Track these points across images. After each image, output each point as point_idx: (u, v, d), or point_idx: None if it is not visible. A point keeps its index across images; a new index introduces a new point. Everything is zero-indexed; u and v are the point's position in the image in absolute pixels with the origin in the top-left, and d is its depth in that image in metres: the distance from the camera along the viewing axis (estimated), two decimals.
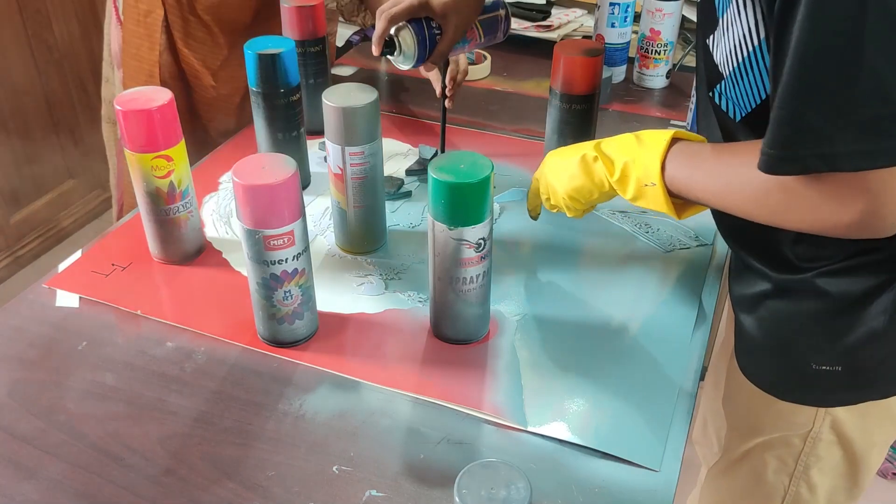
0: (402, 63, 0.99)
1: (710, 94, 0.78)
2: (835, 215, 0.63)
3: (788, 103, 0.60)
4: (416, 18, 0.97)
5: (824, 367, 0.76)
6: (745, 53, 0.70)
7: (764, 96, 0.71)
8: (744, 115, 0.74)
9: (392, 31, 0.96)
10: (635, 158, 0.78)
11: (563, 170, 0.84)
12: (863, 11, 0.55)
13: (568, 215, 0.87)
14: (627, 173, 0.78)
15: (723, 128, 0.78)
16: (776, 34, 0.62)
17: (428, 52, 0.98)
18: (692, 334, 0.84)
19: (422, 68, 1.03)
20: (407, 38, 0.97)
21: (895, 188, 0.60)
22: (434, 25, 0.98)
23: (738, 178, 0.69)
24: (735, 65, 0.73)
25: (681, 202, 0.77)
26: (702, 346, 0.83)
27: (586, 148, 0.82)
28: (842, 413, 0.81)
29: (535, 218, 0.96)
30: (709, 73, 0.78)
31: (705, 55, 0.78)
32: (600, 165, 0.81)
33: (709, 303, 0.89)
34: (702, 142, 0.78)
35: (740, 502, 0.93)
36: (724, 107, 0.77)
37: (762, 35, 0.67)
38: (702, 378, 0.84)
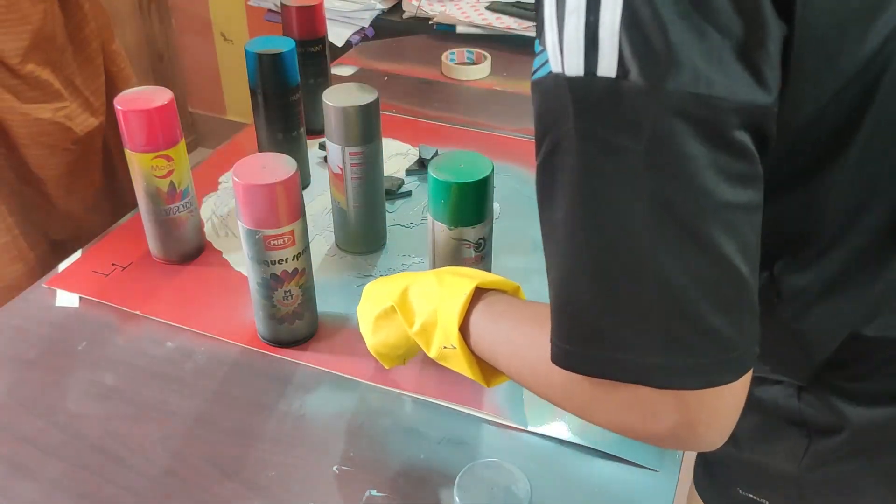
0: None
1: None
2: (646, 425, 0.50)
3: (575, 295, 0.49)
4: None
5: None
6: None
7: None
8: None
9: None
10: (437, 310, 0.65)
11: (367, 316, 0.73)
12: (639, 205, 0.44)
13: (384, 366, 0.75)
14: (428, 329, 0.66)
15: None
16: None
17: None
18: None
19: None
20: None
21: (711, 405, 0.48)
22: None
23: (540, 360, 0.53)
24: None
25: (490, 367, 0.65)
26: None
27: (393, 294, 0.69)
28: None
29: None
30: None
31: None
32: (399, 318, 0.68)
33: None
34: (516, 294, 0.68)
35: None
36: None
37: None
38: None
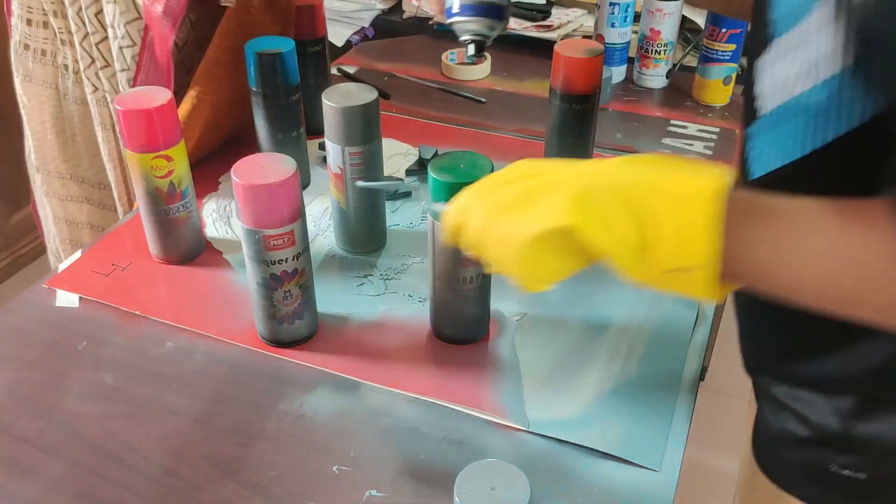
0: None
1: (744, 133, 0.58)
2: None
3: None
4: None
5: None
6: (796, 92, 0.51)
7: (799, 155, 0.52)
8: (761, 174, 0.55)
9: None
10: (656, 224, 0.50)
11: (511, 242, 0.55)
12: None
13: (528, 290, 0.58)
14: (635, 250, 0.50)
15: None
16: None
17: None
18: (692, 334, 0.84)
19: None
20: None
21: None
22: None
23: (868, 257, 0.46)
24: (778, 103, 0.54)
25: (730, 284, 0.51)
26: (702, 346, 0.83)
27: (548, 212, 0.52)
28: None
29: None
30: (746, 106, 0.59)
31: (747, 82, 0.60)
32: (580, 239, 0.52)
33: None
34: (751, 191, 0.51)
35: None
36: (746, 154, 0.58)
37: (830, 72, 0.48)
38: (702, 378, 0.84)
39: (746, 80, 0.60)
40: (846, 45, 0.47)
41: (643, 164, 0.52)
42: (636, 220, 0.50)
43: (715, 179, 0.50)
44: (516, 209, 0.54)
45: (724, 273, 0.49)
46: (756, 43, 0.57)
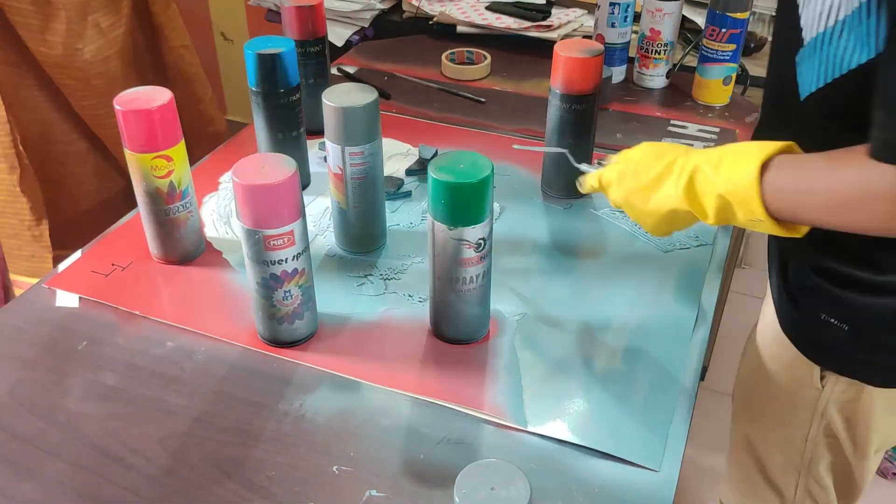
0: None
1: (785, 62, 0.73)
2: None
3: None
4: None
5: (832, 321, 0.77)
6: (839, 17, 0.64)
7: (843, 72, 0.66)
8: (811, 91, 0.70)
9: None
10: (731, 202, 0.70)
11: (653, 219, 0.78)
12: None
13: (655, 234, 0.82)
14: (728, 214, 0.71)
15: (785, 107, 0.74)
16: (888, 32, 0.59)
17: None
18: (692, 334, 0.84)
19: None
20: None
21: None
22: None
23: (858, 193, 0.63)
24: (822, 28, 0.67)
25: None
26: (702, 346, 0.83)
27: (670, 195, 0.74)
28: (836, 416, 0.82)
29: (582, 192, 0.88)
30: (789, 36, 0.71)
31: (790, 15, 0.71)
32: (690, 213, 0.74)
33: (709, 303, 0.89)
34: (792, 151, 0.70)
35: (756, 492, 0.94)
36: (803, 73, 0.71)
37: (851, 8, 0.62)
38: (702, 378, 0.84)
39: (790, 11, 0.72)
40: None
41: (721, 159, 0.71)
42: (719, 199, 0.70)
43: (756, 163, 0.67)
44: (648, 192, 0.77)
45: (776, 217, 0.68)
46: None
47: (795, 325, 0.82)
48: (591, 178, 0.85)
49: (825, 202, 0.65)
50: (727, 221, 0.73)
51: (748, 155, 0.69)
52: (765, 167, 0.67)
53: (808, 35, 0.68)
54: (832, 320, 0.78)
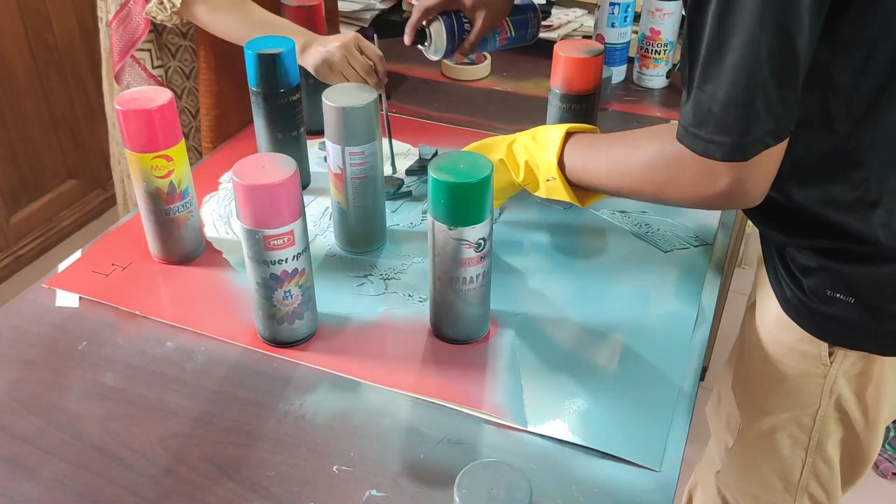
0: (432, 54, 1.11)
1: None
2: (708, 189, 0.71)
3: (700, 85, 0.68)
4: (448, 11, 1.08)
5: (838, 296, 0.79)
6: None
7: None
8: None
9: (424, 23, 1.07)
10: (534, 157, 0.87)
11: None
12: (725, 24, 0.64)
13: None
14: (531, 175, 0.88)
15: None
16: (688, 24, 0.70)
17: (456, 43, 1.08)
18: (692, 334, 0.84)
19: (456, 57, 1.13)
20: (438, 30, 1.07)
21: (761, 165, 0.69)
22: (465, 20, 1.08)
23: (627, 159, 0.79)
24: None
25: (582, 191, 0.86)
26: (702, 346, 0.83)
27: (497, 151, 0.91)
28: (846, 390, 0.83)
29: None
30: None
31: None
32: (507, 169, 0.90)
33: (709, 303, 0.89)
34: (594, 132, 0.88)
35: (760, 481, 0.95)
36: None
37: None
38: (702, 378, 0.84)
39: None
40: None
41: (538, 131, 0.89)
42: (530, 157, 0.88)
43: (563, 131, 0.85)
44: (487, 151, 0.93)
45: (569, 180, 0.85)
46: None
47: (801, 305, 0.82)
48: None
49: (608, 171, 0.81)
50: (531, 182, 0.88)
51: (558, 126, 0.87)
52: (569, 138, 0.85)
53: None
54: (838, 295, 0.79)
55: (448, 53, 1.09)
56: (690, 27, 0.70)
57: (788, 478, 0.92)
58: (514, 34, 1.14)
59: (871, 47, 0.68)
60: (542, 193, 0.88)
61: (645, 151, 0.77)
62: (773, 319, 0.86)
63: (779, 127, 0.67)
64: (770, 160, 0.69)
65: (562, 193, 0.85)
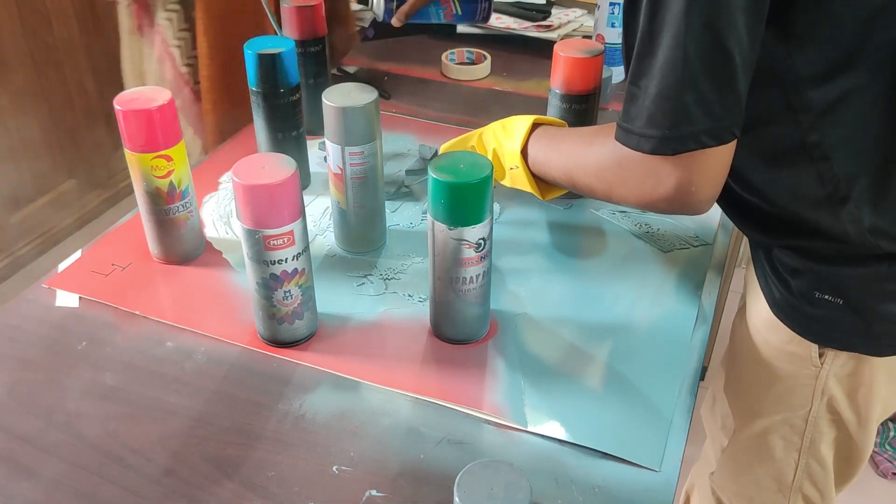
0: (374, 9, 1.28)
1: None
2: (654, 190, 0.71)
3: (632, 80, 0.69)
4: None
5: (826, 297, 0.79)
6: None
7: None
8: None
9: None
10: (501, 145, 0.89)
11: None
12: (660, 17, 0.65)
13: None
14: (498, 160, 0.89)
15: None
16: (625, 20, 0.73)
17: (395, 8, 1.21)
18: (692, 334, 0.84)
19: (394, 21, 1.27)
20: None
21: (701, 167, 0.68)
22: None
23: (582, 156, 0.80)
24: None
25: (545, 184, 0.87)
26: (702, 346, 0.83)
27: (471, 139, 0.94)
28: (837, 391, 0.83)
29: None
30: None
31: None
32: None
33: (709, 303, 0.89)
34: (561, 126, 0.88)
35: (754, 482, 0.95)
36: None
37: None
38: (702, 378, 0.84)
39: None
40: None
41: (509, 120, 0.90)
42: (498, 145, 0.90)
43: (529, 121, 0.87)
44: (461, 145, 0.97)
45: (532, 171, 0.87)
46: None
47: (790, 307, 0.82)
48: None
49: (565, 166, 0.82)
50: (497, 170, 0.89)
51: (526, 117, 0.88)
52: (536, 128, 0.86)
53: None
54: (826, 296, 0.79)
55: (386, 15, 1.23)
56: (626, 27, 0.73)
57: (782, 479, 0.92)
58: (459, 12, 1.26)
59: (826, 41, 0.68)
60: (506, 182, 0.90)
61: (599, 148, 0.77)
62: (762, 321, 0.86)
63: (717, 127, 0.66)
64: (715, 162, 0.69)
65: (524, 183, 0.87)
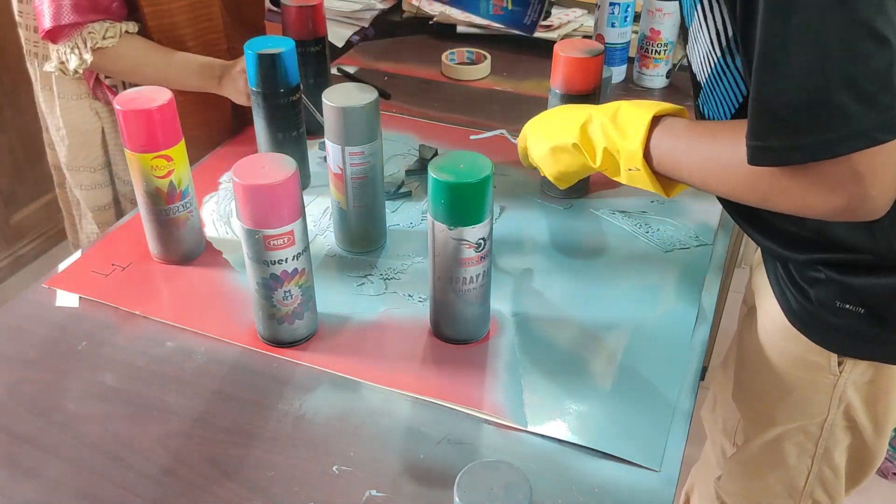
0: None
1: (696, 103, 0.81)
2: (824, 202, 0.63)
3: (759, 95, 0.62)
4: None
5: (847, 307, 0.77)
6: (715, 59, 0.72)
7: (739, 100, 0.73)
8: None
9: None
10: (615, 144, 0.79)
11: (546, 153, 0.87)
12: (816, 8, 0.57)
13: (560, 187, 0.91)
14: (611, 161, 0.81)
15: None
16: (742, 30, 0.64)
17: None
18: (692, 334, 0.84)
19: None
20: None
21: (881, 168, 0.60)
22: None
23: (726, 160, 0.70)
24: (708, 72, 0.75)
25: (668, 180, 0.79)
26: (702, 346, 0.83)
27: (569, 132, 0.83)
28: (855, 399, 0.83)
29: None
30: (693, 83, 0.81)
31: (690, 66, 0.81)
32: (582, 153, 0.83)
33: (709, 303, 0.89)
34: (682, 116, 0.78)
35: (764, 488, 0.95)
36: (706, 115, 0.79)
37: (728, 38, 0.69)
38: (702, 378, 0.84)
39: (689, 63, 0.82)
40: (717, 41, 0.73)
41: (618, 111, 0.80)
42: (610, 143, 0.80)
43: (648, 117, 0.76)
44: (553, 131, 0.87)
45: (655, 171, 0.77)
46: (684, 31, 0.81)
47: (808, 316, 0.81)
48: (519, 140, 0.95)
49: (700, 167, 0.73)
50: (610, 169, 0.81)
51: (643, 107, 0.78)
52: (655, 123, 0.76)
53: (702, 81, 0.78)
54: (847, 305, 0.77)
55: None
56: (744, 41, 0.65)
57: (793, 485, 0.91)
58: (510, 6, 1.18)
59: None
60: (622, 180, 0.81)
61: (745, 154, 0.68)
62: (776, 329, 0.85)
63: (889, 118, 0.59)
64: (892, 159, 0.60)
65: (646, 184, 0.79)
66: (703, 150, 0.73)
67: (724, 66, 0.73)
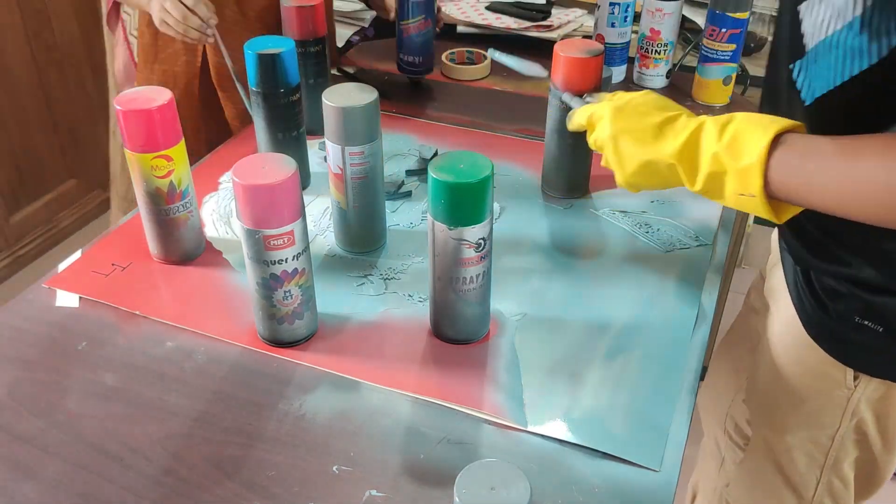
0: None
1: (791, 66, 0.72)
2: None
3: None
4: None
5: (866, 323, 0.76)
6: (836, 27, 0.65)
7: (844, 79, 0.66)
8: (816, 97, 0.69)
9: None
10: (723, 167, 0.69)
11: (634, 167, 0.78)
12: None
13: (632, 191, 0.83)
14: (715, 184, 0.71)
15: (787, 113, 0.72)
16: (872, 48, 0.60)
17: None
18: (692, 334, 0.84)
19: None
20: None
21: None
22: None
23: (873, 180, 0.61)
24: (821, 38, 0.67)
25: (781, 204, 0.69)
26: (702, 346, 0.83)
27: (665, 148, 0.74)
28: (867, 414, 0.82)
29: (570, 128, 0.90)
30: (792, 44, 0.72)
31: (792, 24, 0.71)
32: (680, 173, 0.74)
33: (709, 303, 0.89)
34: (801, 132, 0.68)
35: (772, 497, 0.94)
36: (798, 85, 0.72)
37: (858, 11, 0.63)
38: (702, 378, 0.84)
39: (792, 19, 0.72)
40: (852, 5, 0.64)
41: (731, 127, 0.70)
42: (715, 163, 0.70)
43: (768, 138, 0.66)
44: (643, 136, 0.77)
45: (773, 196, 0.67)
46: None
47: (826, 329, 0.80)
48: (580, 113, 0.86)
49: (838, 189, 0.63)
50: (712, 192, 0.72)
51: (760, 125, 0.67)
52: (775, 142, 0.66)
53: (809, 43, 0.69)
54: (866, 322, 0.76)
55: None
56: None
57: (802, 494, 0.90)
58: None
59: None
60: (726, 203, 0.72)
61: None
62: (792, 338, 0.84)
63: None
64: None
65: (757, 210, 0.69)
66: (843, 168, 0.63)
67: (842, 39, 0.66)
